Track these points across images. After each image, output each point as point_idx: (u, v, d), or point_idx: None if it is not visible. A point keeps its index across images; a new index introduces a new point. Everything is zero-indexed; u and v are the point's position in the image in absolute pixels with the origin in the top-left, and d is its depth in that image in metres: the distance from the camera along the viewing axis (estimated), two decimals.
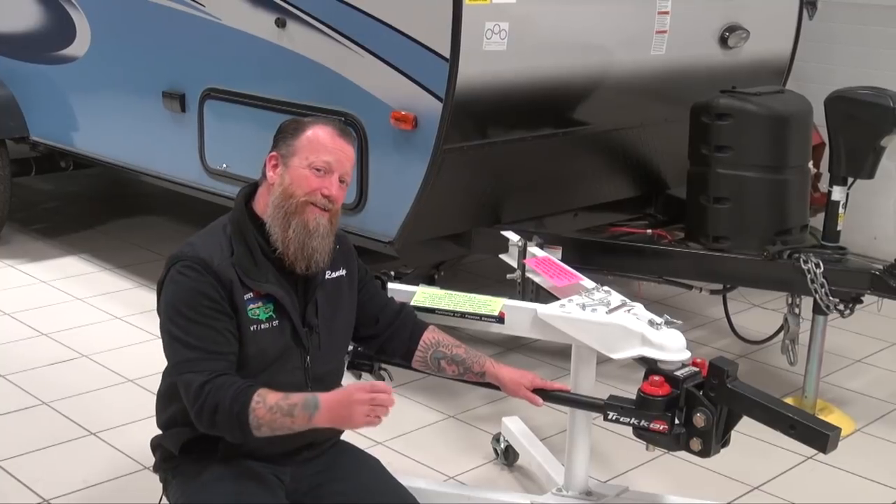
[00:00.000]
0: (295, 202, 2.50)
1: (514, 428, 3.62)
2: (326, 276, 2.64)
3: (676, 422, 2.64)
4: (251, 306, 2.48)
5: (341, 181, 2.57)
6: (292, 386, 2.49)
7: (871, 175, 4.01)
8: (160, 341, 2.49)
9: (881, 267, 3.80)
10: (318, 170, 2.52)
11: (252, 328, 2.48)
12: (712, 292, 4.47)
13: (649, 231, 4.53)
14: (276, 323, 2.51)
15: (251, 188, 2.62)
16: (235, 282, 2.46)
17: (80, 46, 5.41)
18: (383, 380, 3.17)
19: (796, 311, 4.09)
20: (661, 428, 2.64)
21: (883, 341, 4.96)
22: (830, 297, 3.79)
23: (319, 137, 2.54)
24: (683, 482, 3.56)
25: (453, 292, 3.10)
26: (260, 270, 2.51)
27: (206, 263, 2.45)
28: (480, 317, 3.01)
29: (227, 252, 2.50)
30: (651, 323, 2.80)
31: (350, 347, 3.01)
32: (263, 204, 2.56)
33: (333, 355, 2.68)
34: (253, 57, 4.48)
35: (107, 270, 5.64)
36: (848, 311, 3.87)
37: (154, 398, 2.68)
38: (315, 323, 2.58)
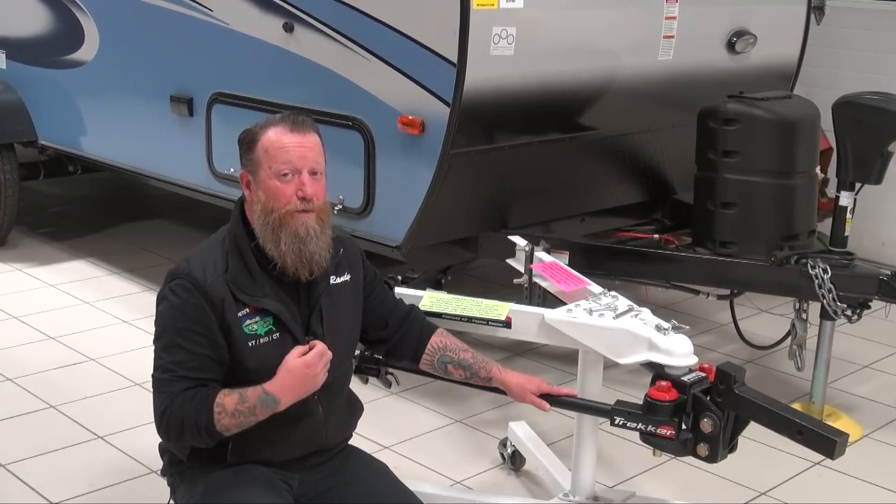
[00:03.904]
0: (277, 216, 2.46)
1: (521, 433, 3.62)
2: (331, 282, 2.62)
3: (683, 427, 2.64)
4: (247, 322, 2.46)
5: (313, 173, 2.49)
6: None
7: (878, 180, 4.00)
8: None
9: (889, 272, 3.79)
10: (284, 175, 2.46)
11: (250, 343, 2.47)
12: (719, 297, 4.46)
13: (656, 236, 4.53)
14: (276, 336, 2.49)
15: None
16: (227, 299, 2.44)
17: (88, 51, 5.42)
18: (390, 385, 3.18)
19: (804, 316, 4.08)
20: (668, 433, 2.64)
21: (890, 347, 4.95)
22: (838, 303, 3.78)
23: (273, 142, 2.48)
24: (690, 487, 3.55)
25: (460, 297, 3.11)
26: (256, 284, 2.48)
27: (198, 282, 2.43)
28: (487, 321, 3.01)
29: (222, 267, 2.47)
30: (658, 328, 2.80)
31: (357, 351, 3.01)
32: (252, 219, 2.53)
33: (340, 362, 2.66)
34: (260, 61, 4.49)
35: (114, 274, 5.65)
36: (855, 317, 3.86)
37: None
38: (319, 331, 2.56)
